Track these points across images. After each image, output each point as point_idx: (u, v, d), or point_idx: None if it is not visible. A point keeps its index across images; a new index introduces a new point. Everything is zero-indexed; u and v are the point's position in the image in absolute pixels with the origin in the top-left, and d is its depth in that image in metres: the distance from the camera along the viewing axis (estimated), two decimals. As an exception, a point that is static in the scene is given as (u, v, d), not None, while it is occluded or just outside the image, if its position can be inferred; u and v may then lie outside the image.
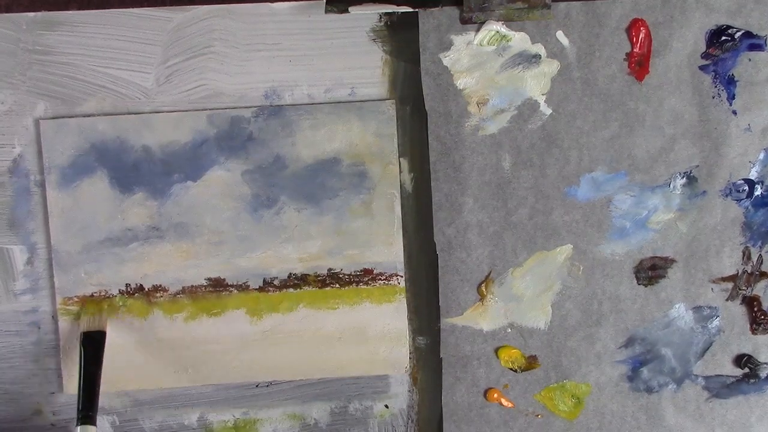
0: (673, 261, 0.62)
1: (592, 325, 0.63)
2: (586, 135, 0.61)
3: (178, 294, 0.62)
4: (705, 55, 0.60)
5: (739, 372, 0.64)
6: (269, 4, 0.60)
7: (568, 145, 0.61)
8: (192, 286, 0.62)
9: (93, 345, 0.59)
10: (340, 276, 0.63)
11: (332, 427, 0.65)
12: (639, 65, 0.60)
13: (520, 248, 0.62)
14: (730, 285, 0.63)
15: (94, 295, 0.62)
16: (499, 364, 0.63)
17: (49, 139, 0.61)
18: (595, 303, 0.63)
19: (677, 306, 0.63)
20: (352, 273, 0.63)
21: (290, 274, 0.62)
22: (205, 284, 0.62)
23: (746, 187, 0.62)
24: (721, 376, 0.64)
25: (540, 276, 0.63)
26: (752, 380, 0.64)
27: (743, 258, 0.63)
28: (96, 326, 0.60)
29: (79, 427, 0.56)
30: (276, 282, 0.63)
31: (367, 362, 0.63)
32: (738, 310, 0.63)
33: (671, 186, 0.62)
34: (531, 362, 0.63)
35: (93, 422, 0.57)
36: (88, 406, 0.57)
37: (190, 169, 0.61)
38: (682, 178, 0.62)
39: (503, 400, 0.64)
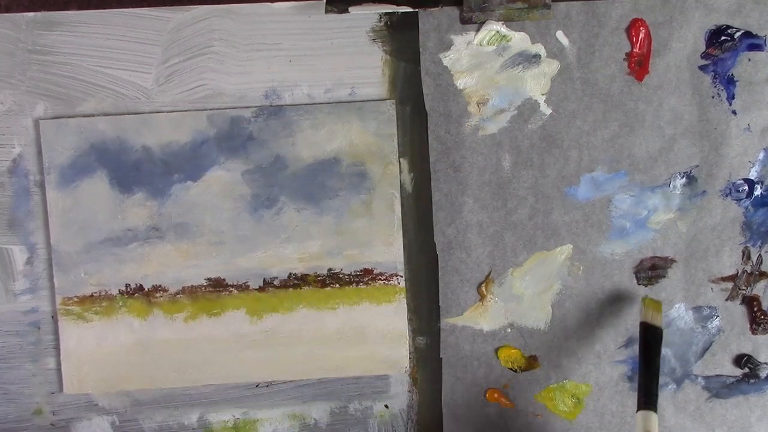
0: (673, 261, 0.62)
1: (592, 325, 0.63)
2: (586, 135, 0.61)
3: (178, 294, 0.62)
4: (705, 55, 0.60)
5: (739, 372, 0.64)
6: (269, 4, 0.60)
7: (568, 145, 0.61)
8: (192, 286, 0.62)
9: (654, 336, 0.59)
10: (340, 276, 0.63)
11: (332, 427, 0.65)
12: (639, 65, 0.60)
13: (520, 248, 0.62)
14: (729, 285, 0.63)
15: (94, 295, 0.62)
16: (499, 364, 0.63)
17: (49, 139, 0.61)
18: (595, 303, 0.63)
19: (677, 306, 0.63)
20: (352, 273, 0.63)
21: (290, 274, 0.62)
22: (205, 284, 0.62)
23: (746, 187, 0.62)
24: (721, 376, 0.64)
25: (540, 276, 0.63)
26: (752, 380, 0.64)
27: (743, 258, 0.63)
28: (654, 321, 0.60)
29: (641, 413, 0.55)
30: (276, 282, 0.62)
31: (367, 362, 0.63)
32: (738, 309, 0.63)
33: (671, 186, 0.62)
34: (531, 362, 0.63)
35: (654, 408, 0.56)
36: (650, 392, 0.56)
37: (190, 169, 0.61)
38: (682, 178, 0.62)
39: (503, 400, 0.64)
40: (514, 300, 0.63)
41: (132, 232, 0.62)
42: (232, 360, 0.63)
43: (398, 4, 0.59)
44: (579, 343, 0.63)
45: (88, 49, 0.60)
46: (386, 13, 0.60)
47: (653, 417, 0.55)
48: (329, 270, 0.63)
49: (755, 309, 0.63)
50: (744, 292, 0.63)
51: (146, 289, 0.62)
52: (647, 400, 0.56)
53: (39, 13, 0.60)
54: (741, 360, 0.64)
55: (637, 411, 0.56)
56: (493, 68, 0.60)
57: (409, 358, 0.64)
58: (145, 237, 0.62)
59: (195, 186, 0.61)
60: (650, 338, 0.59)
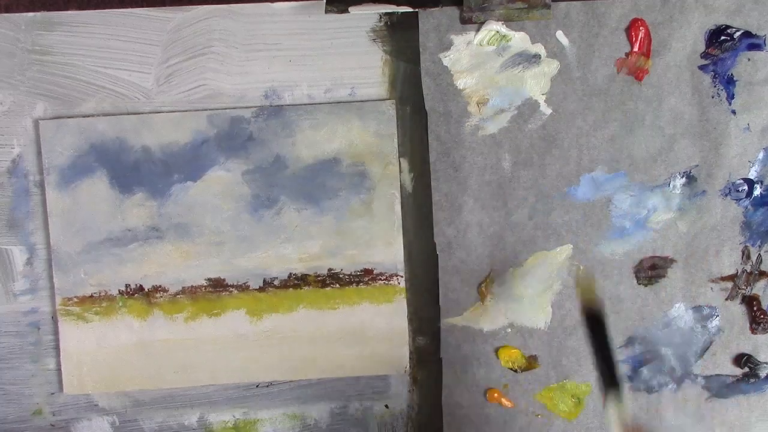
0: (672, 261, 0.62)
1: (592, 325, 0.63)
2: (586, 135, 0.61)
3: (178, 294, 0.62)
4: (704, 55, 0.60)
5: (738, 371, 0.64)
6: (269, 4, 0.60)
7: (568, 145, 0.61)
8: (192, 286, 0.62)
9: (596, 321, 0.54)
10: (340, 276, 0.63)
11: (332, 427, 0.65)
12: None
13: (520, 248, 0.62)
14: (729, 284, 0.63)
15: (94, 295, 0.62)
16: (499, 364, 0.63)
17: (49, 139, 0.61)
18: (595, 303, 0.63)
19: (677, 306, 0.63)
20: (352, 273, 0.63)
21: (290, 274, 0.62)
22: (205, 284, 0.62)
23: (745, 187, 0.62)
24: (721, 375, 0.64)
25: (540, 276, 0.63)
26: (752, 380, 0.64)
27: (743, 257, 0.63)
28: (592, 305, 0.55)
29: (610, 395, 0.52)
30: (276, 282, 0.62)
31: (367, 362, 0.63)
32: (737, 309, 0.63)
33: (671, 186, 0.62)
34: (531, 362, 0.63)
35: (619, 391, 0.52)
36: (612, 373, 0.53)
37: (190, 169, 0.61)
38: (682, 177, 0.62)
39: (503, 400, 0.64)
40: (514, 300, 0.63)
41: (132, 232, 0.62)
42: (232, 360, 0.63)
43: (398, 4, 0.59)
44: (579, 343, 0.63)
45: (88, 49, 0.60)
46: (386, 13, 0.60)
47: (621, 405, 0.52)
48: (329, 270, 0.63)
49: (755, 308, 0.63)
50: (744, 291, 0.63)
51: (146, 290, 0.62)
52: (610, 388, 0.52)
53: (39, 13, 0.60)
54: (741, 359, 0.64)
55: (603, 403, 0.53)
56: (493, 68, 0.60)
57: (409, 358, 0.64)
58: (145, 237, 0.62)
59: (195, 186, 0.61)
60: (593, 323, 0.54)
